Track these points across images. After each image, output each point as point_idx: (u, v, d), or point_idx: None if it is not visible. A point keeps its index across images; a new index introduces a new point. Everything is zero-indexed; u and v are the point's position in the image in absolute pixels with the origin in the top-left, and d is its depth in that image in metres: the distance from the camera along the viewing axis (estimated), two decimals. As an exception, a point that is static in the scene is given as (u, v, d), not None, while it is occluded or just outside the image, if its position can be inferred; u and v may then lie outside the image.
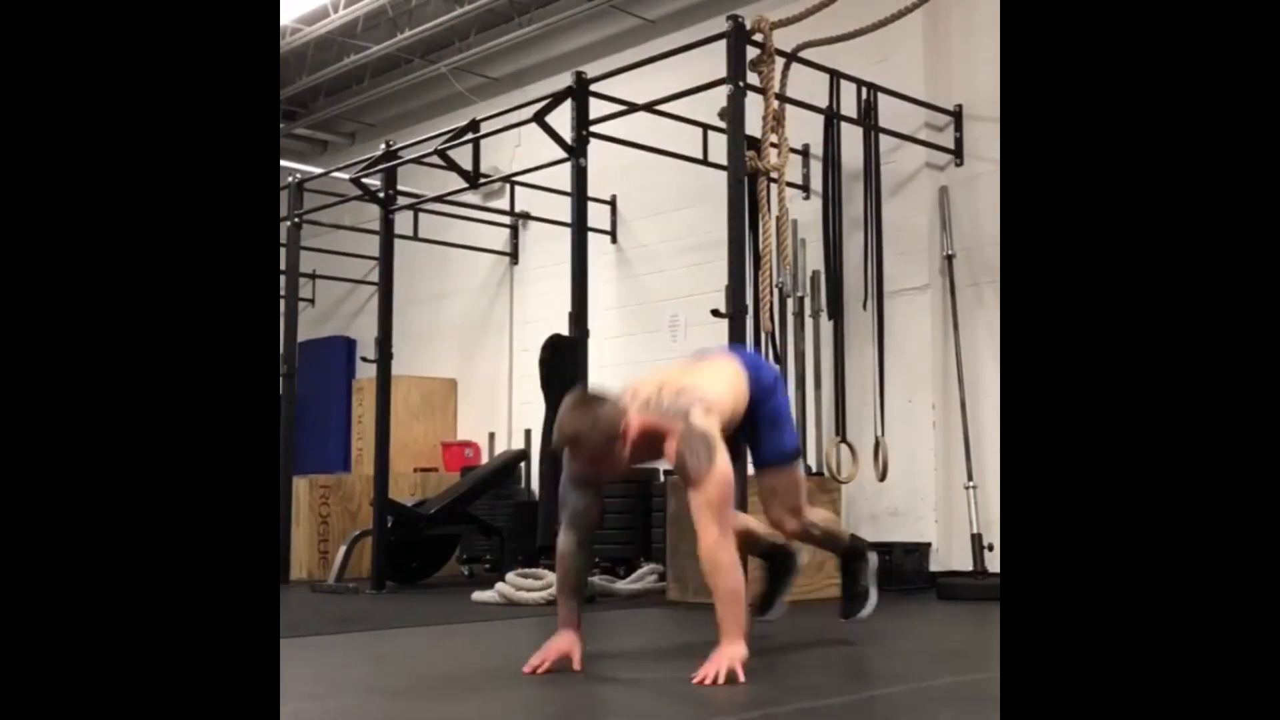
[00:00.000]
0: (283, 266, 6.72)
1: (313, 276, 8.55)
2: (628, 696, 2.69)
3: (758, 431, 3.20)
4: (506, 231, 7.73)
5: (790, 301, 5.64)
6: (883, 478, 5.30)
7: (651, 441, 2.94)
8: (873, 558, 3.51)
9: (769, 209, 5.02)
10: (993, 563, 5.05)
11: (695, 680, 2.61)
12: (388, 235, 6.05)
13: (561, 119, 5.20)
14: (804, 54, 5.19)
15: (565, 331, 5.05)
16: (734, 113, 4.66)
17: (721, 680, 2.60)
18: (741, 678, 2.61)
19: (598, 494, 3.09)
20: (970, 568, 5.10)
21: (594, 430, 2.86)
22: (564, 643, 2.88)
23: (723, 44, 4.75)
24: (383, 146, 6.11)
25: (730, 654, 2.66)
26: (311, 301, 8.77)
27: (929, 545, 5.36)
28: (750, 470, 3.38)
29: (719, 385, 3.05)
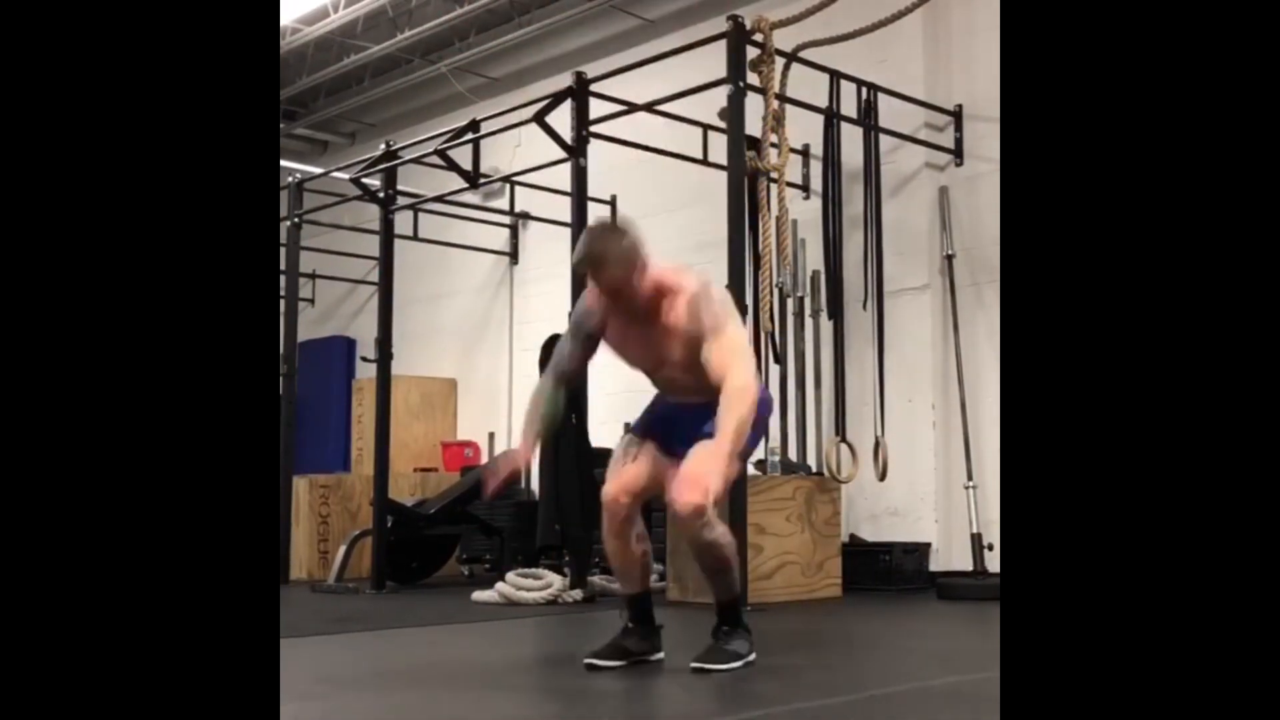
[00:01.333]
0: (283, 266, 6.72)
1: (313, 276, 8.55)
2: (626, 695, 2.69)
3: (683, 433, 3.08)
4: (506, 231, 7.73)
5: (790, 301, 5.64)
6: (882, 477, 5.30)
7: (658, 305, 3.00)
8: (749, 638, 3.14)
9: (769, 209, 5.02)
10: (993, 563, 5.05)
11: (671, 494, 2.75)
12: (388, 235, 6.06)
13: (561, 119, 5.21)
14: (804, 54, 5.19)
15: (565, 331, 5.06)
16: (734, 113, 4.66)
17: (700, 483, 2.70)
18: (717, 483, 2.71)
19: (590, 349, 3.20)
20: (970, 568, 5.10)
21: (616, 249, 2.96)
22: (513, 458, 3.07)
23: (723, 44, 4.75)
24: (383, 146, 6.12)
25: (714, 460, 2.73)
26: (311, 301, 8.77)
27: (929, 545, 5.36)
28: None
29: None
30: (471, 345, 7.92)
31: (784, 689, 2.68)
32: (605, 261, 2.97)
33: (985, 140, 5.48)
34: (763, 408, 3.16)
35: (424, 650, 3.61)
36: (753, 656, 3.02)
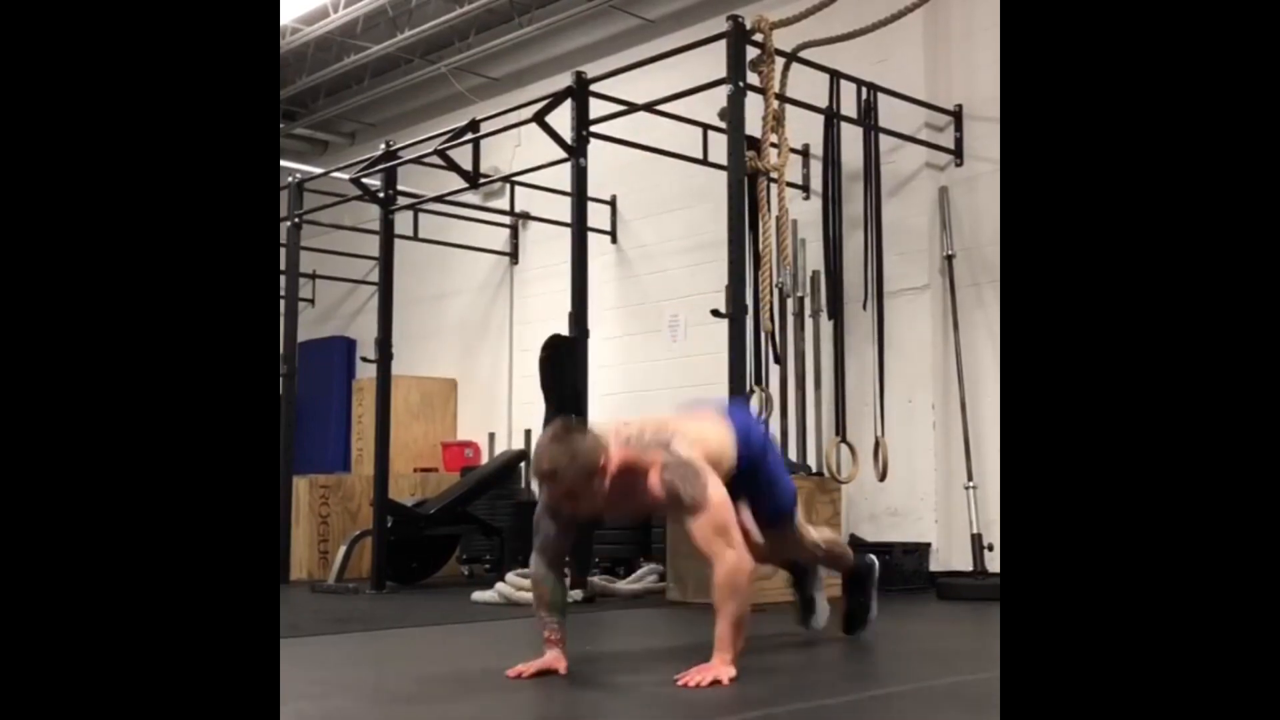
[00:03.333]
0: (283, 266, 6.72)
1: (313, 276, 8.55)
2: (626, 697, 2.69)
3: (758, 493, 3.12)
4: (506, 231, 7.72)
5: (790, 301, 5.64)
6: (883, 478, 5.29)
7: (631, 484, 2.85)
8: (875, 569, 3.49)
9: (769, 209, 5.02)
10: (993, 563, 5.05)
11: (679, 682, 2.59)
12: (387, 235, 6.06)
13: (561, 119, 5.20)
14: (804, 54, 5.19)
15: (565, 331, 5.05)
16: (734, 113, 4.66)
17: (705, 684, 2.56)
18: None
19: (570, 526, 2.99)
20: (970, 568, 5.10)
21: (572, 464, 2.77)
22: (550, 659, 2.82)
23: (722, 44, 4.75)
24: (383, 146, 6.12)
25: (721, 669, 2.62)
26: (311, 301, 8.77)
27: (929, 545, 5.36)
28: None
29: (703, 429, 2.99)
30: (472, 345, 7.92)
31: (783, 689, 2.68)
32: (558, 474, 2.80)
33: (985, 140, 5.48)
34: (756, 432, 3.22)
35: (424, 651, 3.61)
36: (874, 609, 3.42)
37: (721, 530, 2.82)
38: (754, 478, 3.09)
